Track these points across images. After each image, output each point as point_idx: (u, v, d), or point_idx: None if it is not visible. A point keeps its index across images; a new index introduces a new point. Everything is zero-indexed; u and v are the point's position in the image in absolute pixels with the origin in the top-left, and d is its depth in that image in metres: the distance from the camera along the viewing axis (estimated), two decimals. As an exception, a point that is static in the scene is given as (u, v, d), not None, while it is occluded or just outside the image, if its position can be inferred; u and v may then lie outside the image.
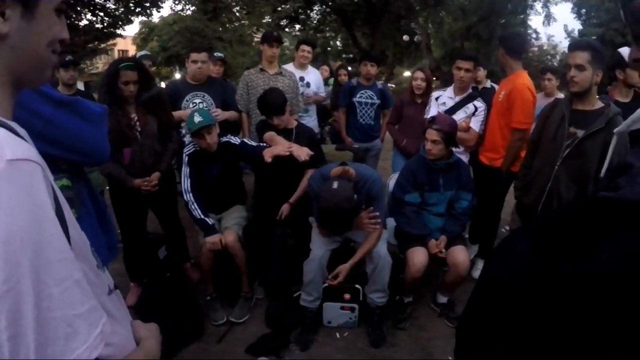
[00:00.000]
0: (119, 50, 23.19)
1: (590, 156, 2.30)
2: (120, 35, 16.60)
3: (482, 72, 4.17)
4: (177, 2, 18.93)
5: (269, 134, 3.00)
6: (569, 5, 21.85)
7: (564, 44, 25.34)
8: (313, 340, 2.70)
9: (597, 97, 2.42)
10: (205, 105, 3.47)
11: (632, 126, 1.21)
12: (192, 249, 3.42)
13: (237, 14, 19.53)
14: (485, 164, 3.32)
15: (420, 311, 3.01)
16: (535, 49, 24.18)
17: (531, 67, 12.91)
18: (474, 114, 3.44)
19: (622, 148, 1.93)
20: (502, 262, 0.60)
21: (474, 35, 20.53)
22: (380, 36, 18.61)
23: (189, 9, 19.32)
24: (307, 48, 4.28)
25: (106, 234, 1.66)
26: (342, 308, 2.78)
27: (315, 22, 20.97)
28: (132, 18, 15.80)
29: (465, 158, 3.40)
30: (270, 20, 18.64)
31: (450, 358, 2.53)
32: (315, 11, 20.34)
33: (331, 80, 5.72)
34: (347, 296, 2.79)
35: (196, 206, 2.79)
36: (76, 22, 13.94)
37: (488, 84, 4.27)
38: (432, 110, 3.54)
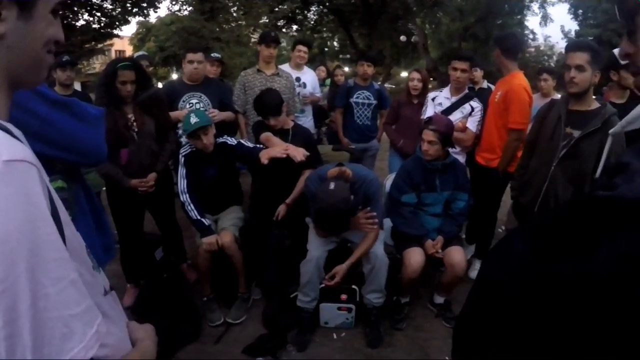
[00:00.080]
0: (116, 51, 23.11)
1: (586, 156, 2.31)
2: (118, 36, 16.52)
3: (478, 73, 4.18)
4: (174, 3, 18.93)
5: (265, 135, 3.00)
6: (566, 6, 22.05)
7: (560, 45, 25.48)
8: (310, 341, 2.69)
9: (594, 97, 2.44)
10: (202, 106, 3.45)
11: (627, 127, 1.21)
12: (189, 250, 3.40)
13: (234, 14, 19.53)
14: (481, 164, 3.33)
15: (417, 311, 3.01)
16: (532, 49, 24.29)
17: (528, 68, 12.96)
18: (470, 114, 3.45)
19: (619, 148, 1.94)
20: (499, 262, 0.60)
21: (471, 36, 20.63)
22: (378, 37, 18.60)
23: (186, 9, 19.32)
24: (303, 48, 4.28)
25: (103, 235, 1.65)
26: (339, 309, 2.77)
27: (312, 22, 20.97)
28: (129, 18, 15.78)
29: (461, 158, 3.40)
30: (267, 20, 18.63)
31: (447, 358, 2.53)
32: (312, 12, 20.36)
33: (328, 81, 5.72)
34: (344, 297, 2.78)
35: (192, 207, 2.78)
36: (73, 22, 13.91)
37: (485, 84, 4.27)
38: (429, 111, 3.54)
